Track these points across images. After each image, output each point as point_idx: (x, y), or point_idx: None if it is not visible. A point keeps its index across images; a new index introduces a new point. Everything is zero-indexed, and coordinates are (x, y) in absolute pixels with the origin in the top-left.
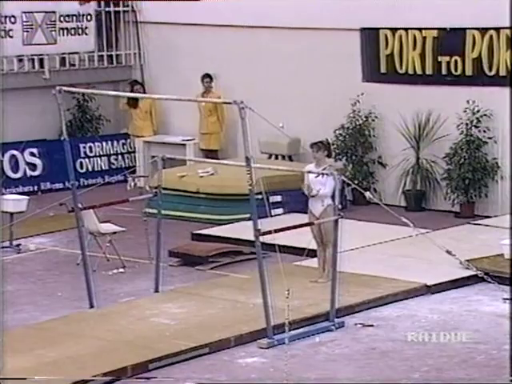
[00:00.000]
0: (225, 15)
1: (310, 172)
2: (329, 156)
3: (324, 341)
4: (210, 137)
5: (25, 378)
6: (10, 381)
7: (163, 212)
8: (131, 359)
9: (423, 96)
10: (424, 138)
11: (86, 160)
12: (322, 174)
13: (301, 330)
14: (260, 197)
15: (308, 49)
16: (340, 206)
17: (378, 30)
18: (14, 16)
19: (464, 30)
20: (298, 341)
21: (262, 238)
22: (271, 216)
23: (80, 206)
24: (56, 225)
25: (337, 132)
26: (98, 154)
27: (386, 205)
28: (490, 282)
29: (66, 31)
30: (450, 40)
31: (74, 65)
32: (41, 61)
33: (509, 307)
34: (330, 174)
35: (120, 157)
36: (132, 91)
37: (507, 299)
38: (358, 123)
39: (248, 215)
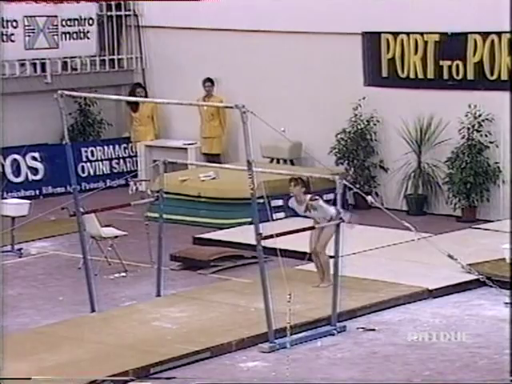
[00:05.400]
0: (227, 19)
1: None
2: (307, 192)
3: (326, 345)
4: (212, 141)
5: (29, 378)
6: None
7: (165, 216)
8: (133, 363)
9: (425, 100)
10: (426, 142)
11: (88, 164)
12: (306, 214)
13: (302, 334)
14: (261, 201)
15: (310, 53)
16: (342, 211)
17: (379, 34)
18: (15, 20)
19: (465, 34)
20: (300, 345)
21: (263, 242)
22: (273, 220)
23: (82, 210)
24: (58, 229)
25: (338, 136)
26: (99, 158)
27: (388, 209)
28: (491, 287)
29: (67, 35)
30: (452, 44)
31: (75, 69)
32: (43, 65)
33: (510, 311)
34: (316, 207)
35: (122, 161)
36: (133, 94)
37: (509, 303)
38: (359, 127)
39: (249, 219)
